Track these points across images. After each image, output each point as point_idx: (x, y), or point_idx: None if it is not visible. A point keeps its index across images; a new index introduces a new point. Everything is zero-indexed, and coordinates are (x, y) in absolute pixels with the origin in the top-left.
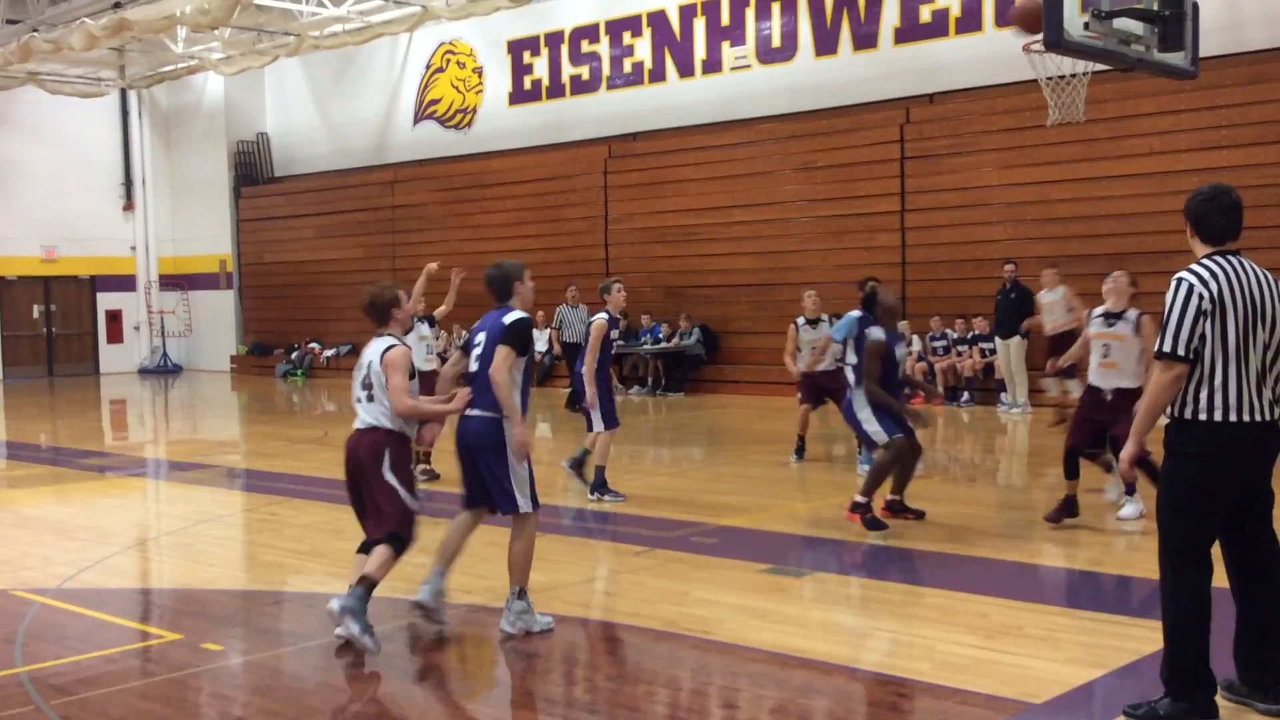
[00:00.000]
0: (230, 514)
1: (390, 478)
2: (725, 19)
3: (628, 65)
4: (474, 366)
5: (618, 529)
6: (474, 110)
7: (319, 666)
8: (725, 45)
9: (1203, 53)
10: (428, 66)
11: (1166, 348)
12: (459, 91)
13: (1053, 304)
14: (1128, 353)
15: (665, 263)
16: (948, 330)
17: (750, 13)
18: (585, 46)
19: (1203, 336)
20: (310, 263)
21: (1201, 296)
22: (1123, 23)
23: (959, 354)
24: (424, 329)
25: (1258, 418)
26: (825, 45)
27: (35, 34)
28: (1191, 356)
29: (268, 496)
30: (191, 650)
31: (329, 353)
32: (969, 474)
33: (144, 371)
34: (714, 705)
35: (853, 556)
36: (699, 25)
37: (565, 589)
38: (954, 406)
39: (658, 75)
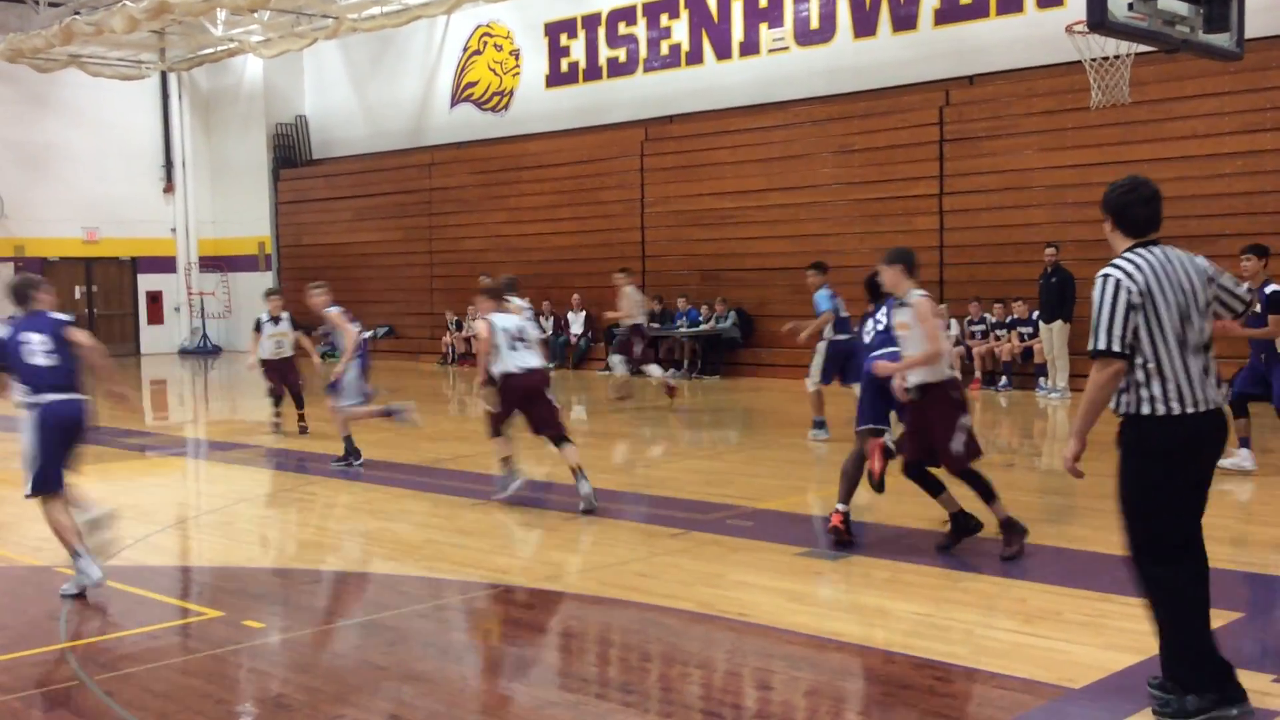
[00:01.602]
0: (269, 493)
1: (552, 398)
2: (763, 0)
3: (665, 47)
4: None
5: (654, 511)
6: (511, 93)
7: (358, 644)
8: (763, 27)
9: (1248, 34)
10: (465, 49)
11: (1100, 345)
12: (496, 74)
13: None
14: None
15: (701, 246)
16: (986, 315)
17: None
18: (622, 29)
19: (1135, 330)
20: (348, 245)
21: (1130, 290)
22: (1167, 3)
23: (997, 338)
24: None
25: (1208, 408)
26: (864, 27)
27: (76, 16)
28: (1127, 351)
29: (305, 476)
30: (233, 627)
31: (366, 334)
32: (1007, 459)
33: (184, 352)
34: (749, 687)
35: (888, 540)
36: (736, 7)
37: (602, 570)
38: (992, 391)
39: (695, 57)
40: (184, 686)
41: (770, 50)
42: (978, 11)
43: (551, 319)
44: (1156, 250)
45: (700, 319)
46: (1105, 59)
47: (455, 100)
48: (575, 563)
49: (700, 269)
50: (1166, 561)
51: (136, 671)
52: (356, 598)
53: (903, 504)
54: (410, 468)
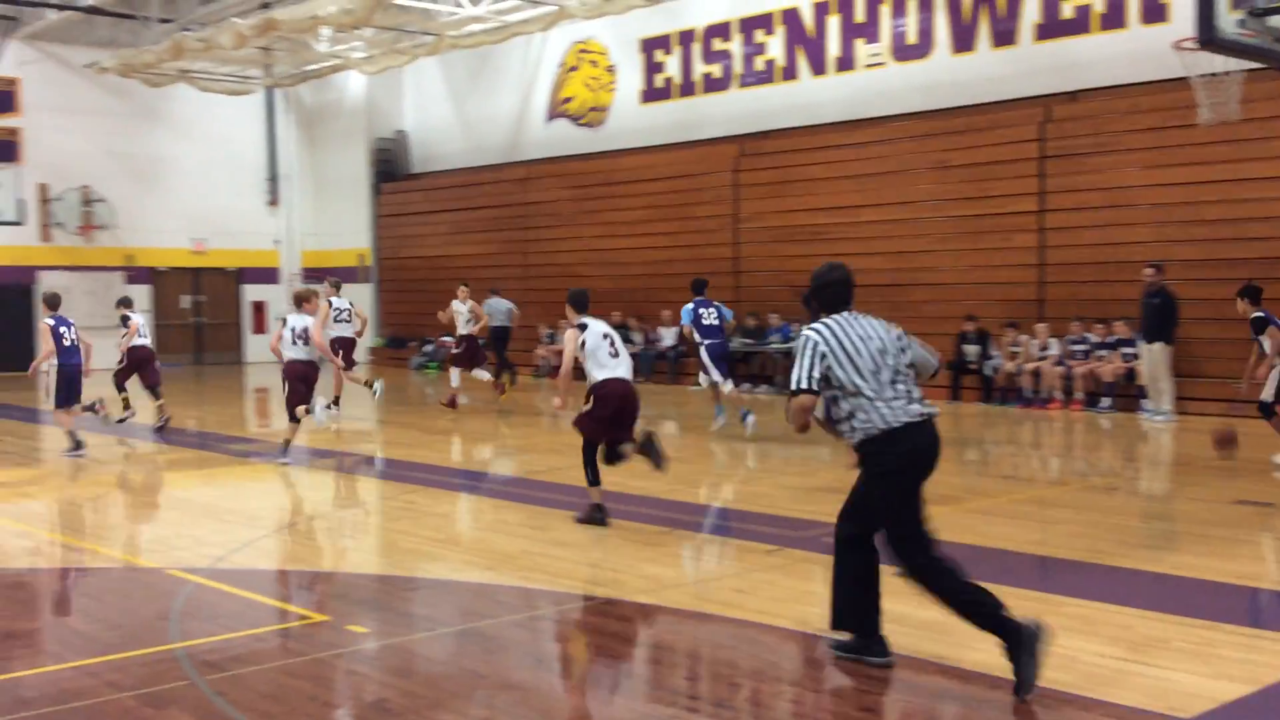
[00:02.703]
0: (369, 501)
1: None
2: (860, 15)
3: (760, 63)
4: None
5: (748, 527)
6: (606, 108)
7: (456, 652)
8: (859, 42)
9: None
10: (561, 65)
11: (800, 384)
12: (591, 90)
13: None
14: None
15: (795, 262)
16: (1088, 334)
17: (885, 9)
18: (717, 44)
19: (828, 371)
20: (444, 258)
21: (826, 344)
22: (1278, 20)
23: (1099, 359)
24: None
25: (913, 420)
26: (963, 42)
27: (186, 33)
28: (817, 389)
29: (405, 485)
30: (337, 632)
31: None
32: (1109, 482)
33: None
34: (850, 708)
35: (990, 563)
36: (833, 22)
37: (697, 585)
38: (1094, 413)
39: (790, 73)
40: (290, 688)
41: (866, 65)
42: (1079, 26)
43: (642, 333)
44: (845, 315)
45: (792, 335)
46: (1213, 76)
47: (551, 115)
48: (671, 576)
49: (793, 285)
50: (872, 550)
51: (244, 673)
52: (455, 606)
53: (998, 526)
54: (505, 479)
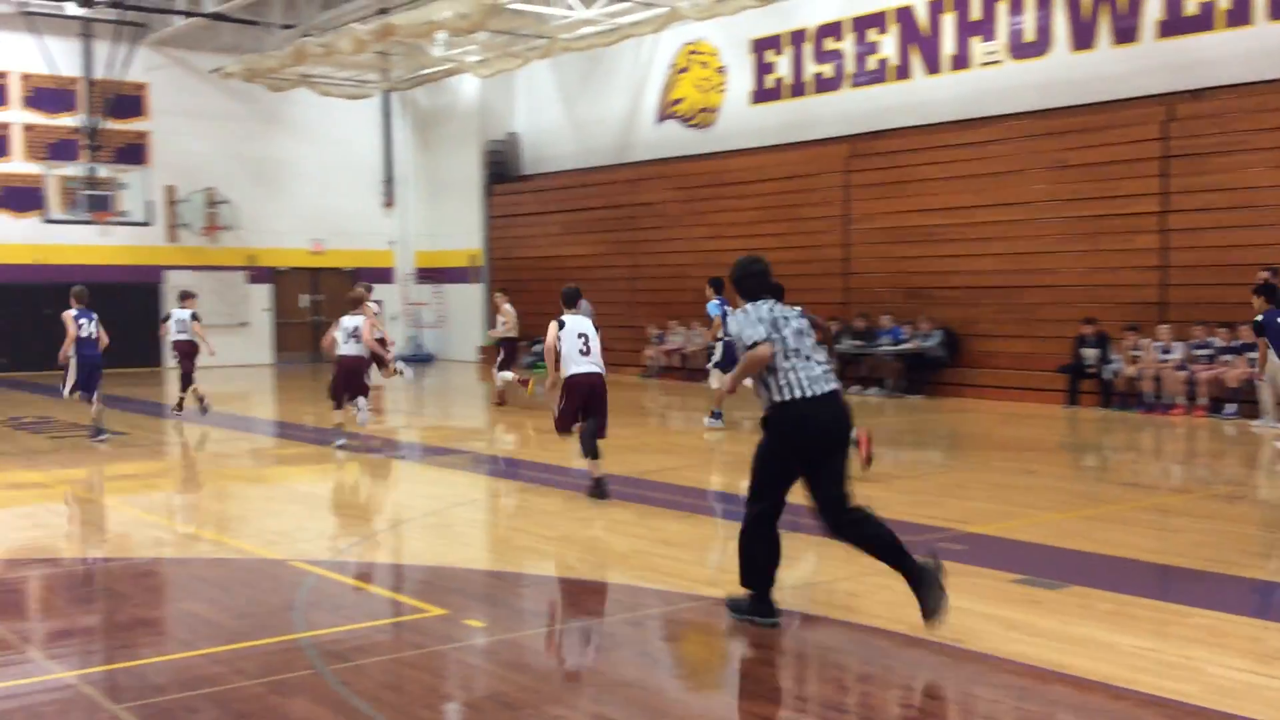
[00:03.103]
0: (483, 498)
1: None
2: (976, 13)
3: (872, 62)
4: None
5: None
6: (716, 109)
7: (570, 649)
8: (975, 40)
9: None
10: (671, 66)
11: (757, 336)
12: (701, 91)
13: None
14: None
15: (907, 263)
16: (1211, 338)
17: (1002, 7)
18: (829, 44)
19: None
20: (554, 258)
21: (763, 316)
22: None
23: (1224, 364)
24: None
25: (824, 391)
26: (1082, 39)
27: (308, 38)
28: (771, 338)
29: (517, 483)
30: (454, 625)
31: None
32: (1234, 491)
33: (400, 359)
34: (969, 716)
35: (1112, 571)
36: (947, 20)
37: (810, 588)
38: (1218, 419)
39: (903, 72)
40: (411, 679)
41: (982, 64)
42: (1203, 24)
43: None
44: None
45: (904, 337)
46: None
47: (661, 117)
48: (783, 578)
49: (905, 286)
50: (778, 505)
51: (366, 663)
52: (568, 603)
53: (1117, 533)
54: (616, 477)
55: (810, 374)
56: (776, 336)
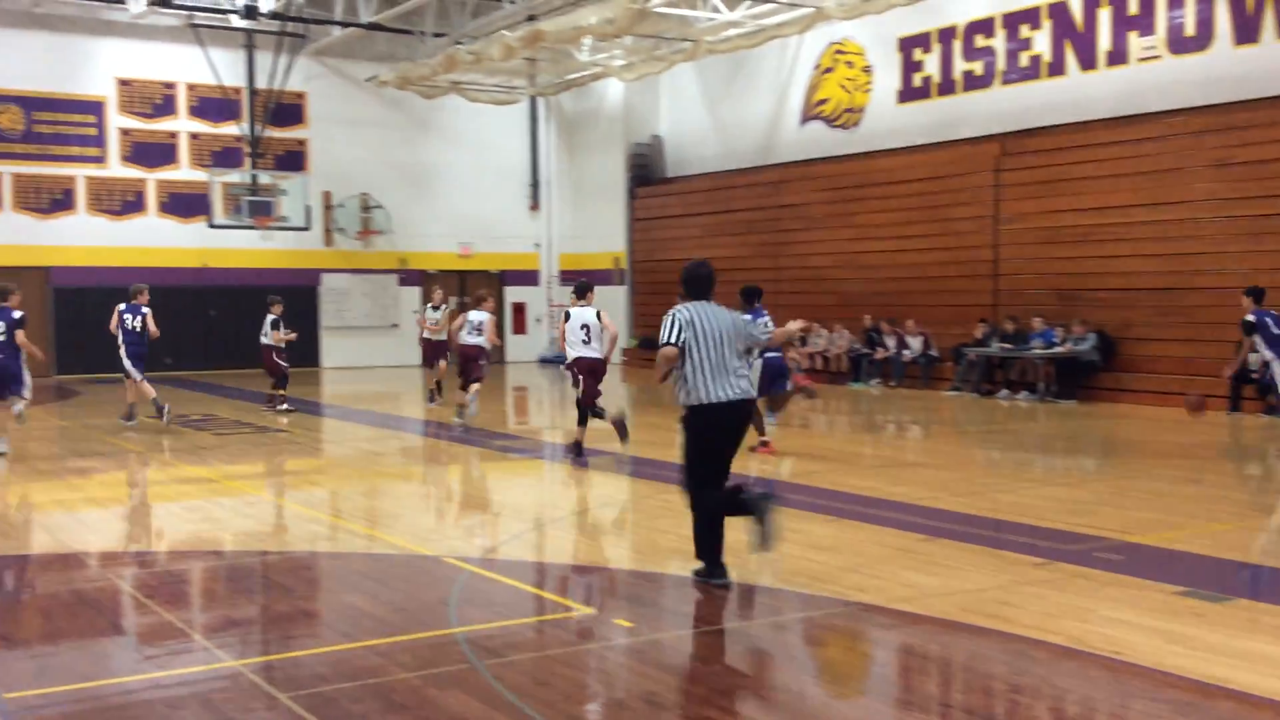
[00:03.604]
0: (630, 499)
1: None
2: (1133, 7)
3: (1024, 59)
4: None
5: (1012, 538)
6: (861, 109)
7: (719, 651)
8: (1132, 35)
9: None
10: (816, 67)
11: (666, 339)
12: (847, 91)
13: None
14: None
15: (1059, 264)
16: None
17: (1161, 1)
18: (979, 41)
19: (686, 342)
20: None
21: (685, 320)
22: None
23: None
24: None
25: (722, 399)
26: (1245, 33)
27: (459, 46)
28: (679, 343)
29: (662, 485)
30: (604, 625)
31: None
32: None
33: (544, 361)
34: None
35: (1278, 584)
36: (1104, 15)
37: (961, 595)
38: None
39: (1056, 68)
40: (563, 677)
41: (1140, 59)
42: None
43: (894, 337)
44: (703, 304)
45: (1056, 340)
46: None
47: (805, 118)
48: (933, 585)
49: (1057, 288)
50: (715, 488)
51: (519, 659)
52: (717, 605)
53: None
54: (760, 482)
55: (714, 382)
56: (691, 340)
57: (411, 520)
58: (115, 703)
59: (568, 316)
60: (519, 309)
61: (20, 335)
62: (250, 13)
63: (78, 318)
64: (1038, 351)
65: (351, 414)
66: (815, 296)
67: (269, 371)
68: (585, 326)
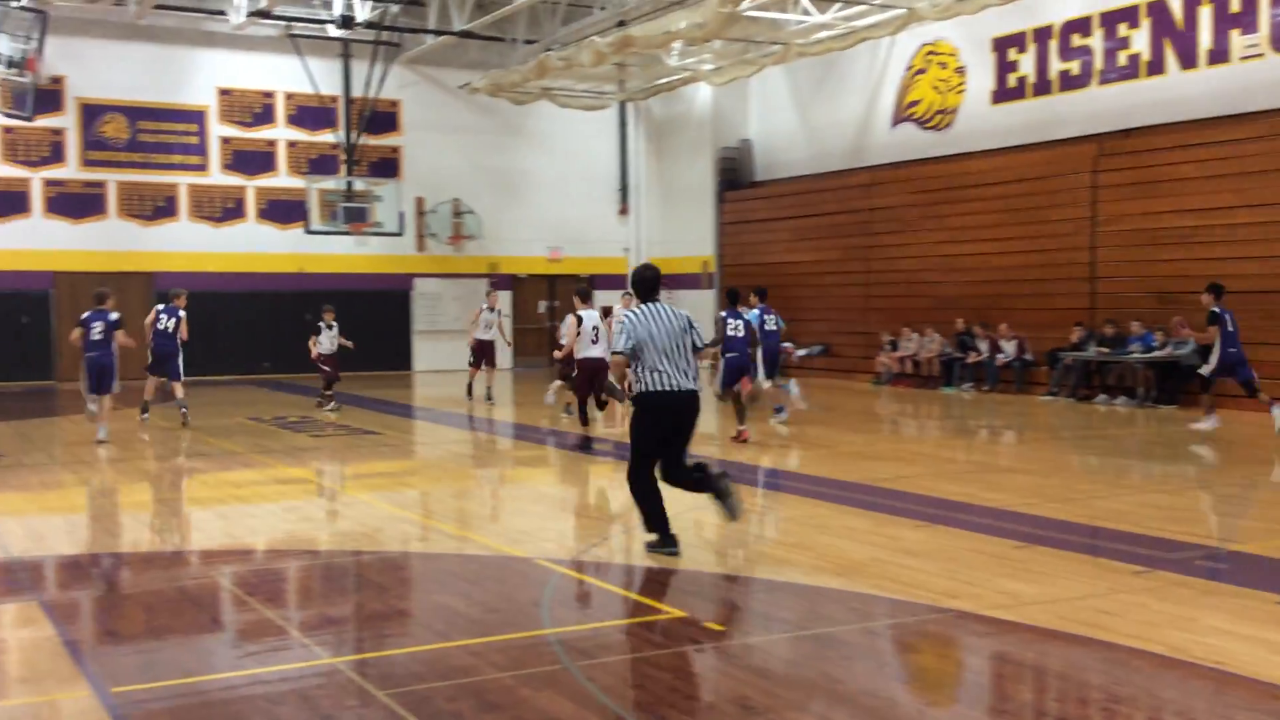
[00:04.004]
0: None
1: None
2: (1235, 4)
3: (1122, 58)
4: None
5: (1110, 545)
6: (954, 110)
7: (812, 656)
8: (1234, 33)
9: None
10: (908, 68)
11: (615, 348)
12: (939, 92)
13: None
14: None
15: (1158, 267)
16: None
17: None
18: (1076, 40)
19: (639, 343)
20: (786, 264)
21: (633, 323)
22: None
23: None
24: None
25: (674, 390)
26: None
27: (549, 53)
28: (627, 352)
29: (748, 489)
30: (696, 628)
31: (801, 352)
32: None
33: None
34: None
35: None
36: (1204, 13)
37: (1059, 603)
38: None
39: (1156, 67)
40: (655, 679)
41: (1242, 57)
42: None
43: (988, 341)
44: (653, 304)
45: (1155, 344)
46: None
47: (896, 120)
48: (1029, 593)
49: (1157, 291)
50: (653, 466)
51: (611, 661)
52: (808, 610)
53: None
54: (851, 485)
55: (665, 373)
56: (645, 341)
57: (503, 522)
58: (218, 698)
59: (580, 319)
60: (607, 313)
61: (121, 335)
62: (346, 22)
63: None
64: (1136, 356)
65: (442, 416)
66: (906, 300)
67: (330, 373)
68: (595, 329)
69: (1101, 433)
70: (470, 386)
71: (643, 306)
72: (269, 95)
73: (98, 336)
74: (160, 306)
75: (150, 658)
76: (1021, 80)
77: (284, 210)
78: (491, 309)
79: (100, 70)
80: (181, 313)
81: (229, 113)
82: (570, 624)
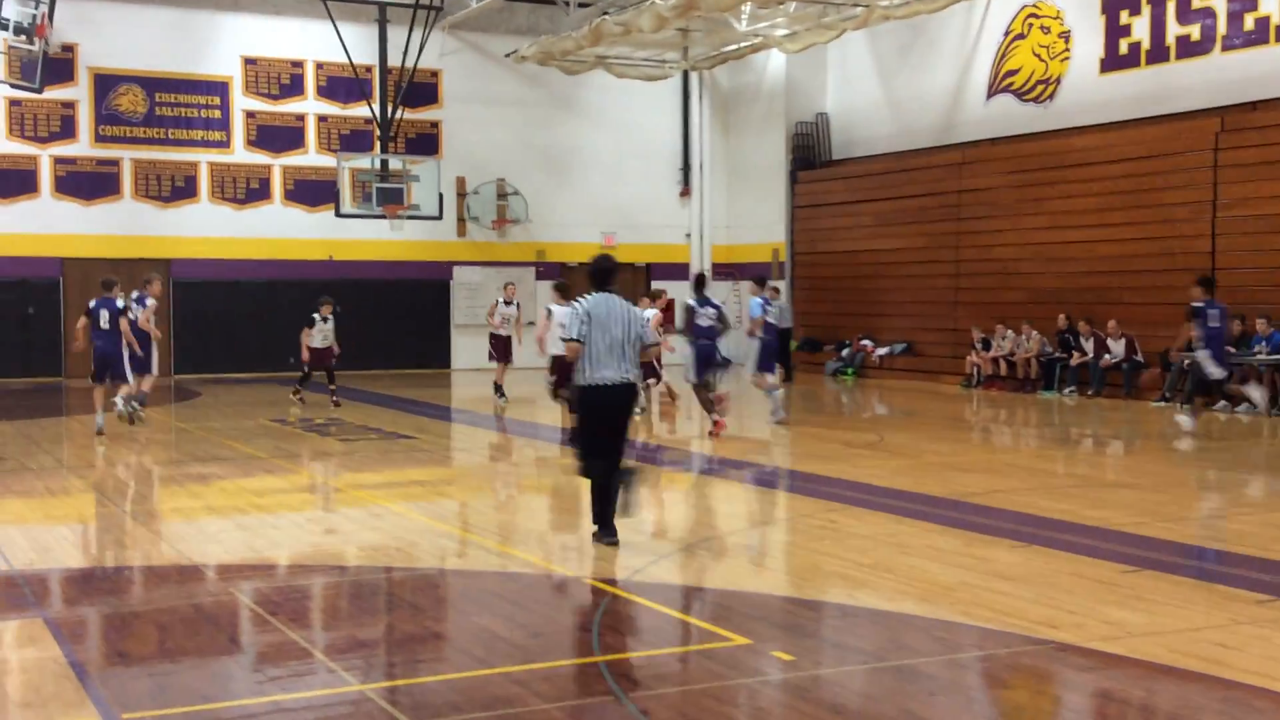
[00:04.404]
0: (788, 518)
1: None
2: None
3: (1250, 21)
4: None
5: (1232, 571)
6: (1057, 80)
7: (892, 690)
8: None
9: None
10: (1006, 33)
11: (569, 335)
12: (1041, 60)
13: None
14: None
15: None
16: None
17: None
18: (1197, 3)
19: (589, 332)
20: (866, 252)
21: (585, 311)
22: None
23: None
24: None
25: (611, 382)
26: None
27: (606, 17)
28: (581, 338)
29: (824, 502)
30: (761, 657)
31: (882, 351)
32: None
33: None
34: None
35: None
36: None
37: (1170, 635)
38: None
39: None
40: (719, 714)
41: None
42: None
43: (1092, 339)
44: (605, 293)
45: None
46: None
47: (992, 91)
48: (1137, 623)
49: None
50: (596, 457)
51: (668, 692)
52: (888, 638)
53: None
54: (936, 500)
55: (603, 366)
56: (597, 330)
57: (548, 537)
58: None
59: (549, 314)
60: (667, 306)
61: (123, 323)
62: None
63: (198, 313)
64: (1262, 357)
65: (482, 419)
66: (1000, 293)
67: (331, 368)
68: (564, 325)
69: (1221, 443)
70: (498, 385)
71: (596, 295)
72: (298, 65)
73: (105, 326)
74: (95, 301)
75: (163, 681)
76: (1134, 46)
77: (312, 191)
78: (509, 302)
79: (115, 37)
80: (151, 301)
81: (254, 84)
82: (622, 651)
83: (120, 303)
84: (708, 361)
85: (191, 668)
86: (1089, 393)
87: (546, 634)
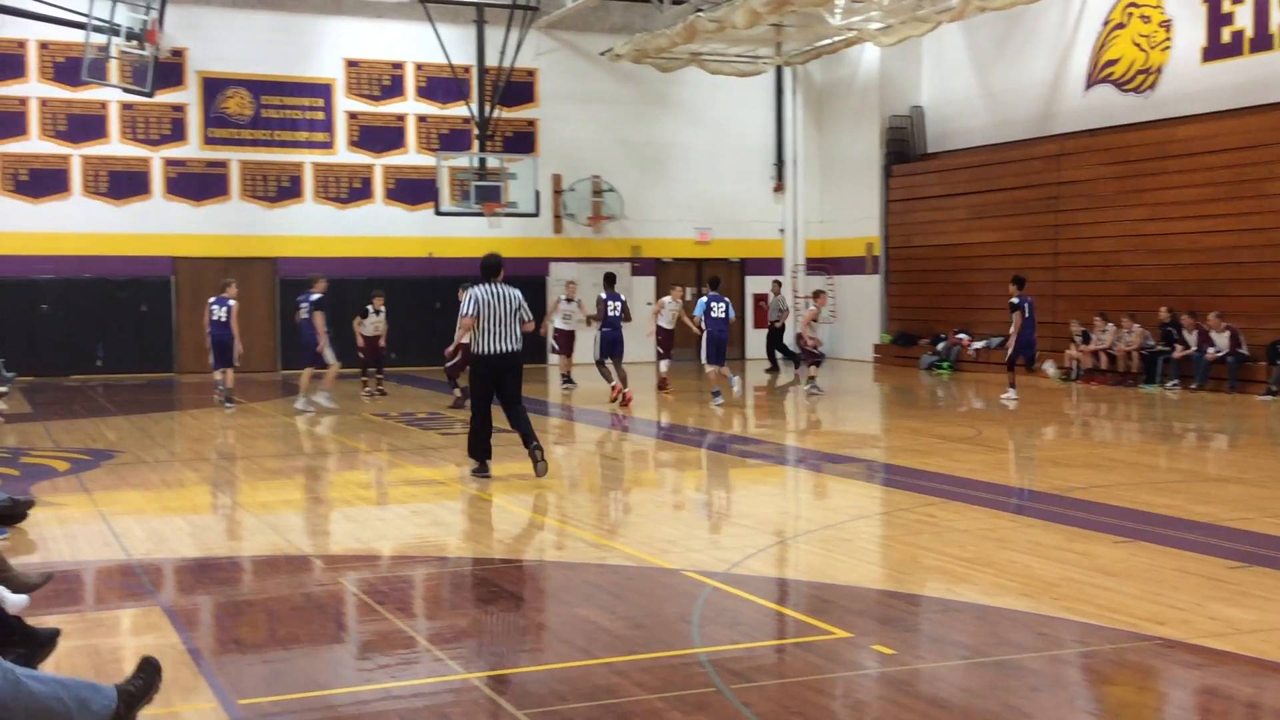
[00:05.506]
0: (885, 512)
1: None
2: None
3: None
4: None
5: None
6: (1158, 70)
7: (996, 686)
8: None
9: None
10: (1106, 22)
11: (462, 313)
12: (1141, 49)
13: None
14: None
15: None
16: None
17: None
18: None
19: (478, 311)
20: (961, 246)
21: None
22: None
23: None
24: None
25: (499, 352)
26: None
27: (699, 14)
28: (472, 314)
29: (922, 496)
30: (862, 650)
31: (978, 344)
32: None
33: (787, 357)
34: None
35: None
36: None
37: (1277, 633)
38: None
39: None
40: (819, 706)
41: None
42: None
43: (1195, 332)
44: (492, 284)
45: None
46: None
47: (1091, 82)
48: (1247, 620)
49: None
50: (485, 414)
51: (769, 684)
52: (989, 633)
53: None
54: (1037, 494)
55: (494, 339)
56: (484, 312)
57: (649, 530)
58: (348, 713)
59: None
60: (759, 300)
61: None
62: None
63: None
64: None
65: (580, 414)
66: (1100, 285)
67: (379, 360)
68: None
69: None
70: (566, 375)
71: (485, 286)
72: (398, 66)
73: (220, 319)
74: (214, 299)
75: (277, 668)
76: (1237, 35)
77: (413, 190)
78: (570, 299)
79: (222, 42)
80: (232, 303)
81: (356, 85)
82: (723, 643)
83: (233, 301)
84: (611, 345)
85: (303, 655)
86: (1192, 386)
87: (648, 626)
